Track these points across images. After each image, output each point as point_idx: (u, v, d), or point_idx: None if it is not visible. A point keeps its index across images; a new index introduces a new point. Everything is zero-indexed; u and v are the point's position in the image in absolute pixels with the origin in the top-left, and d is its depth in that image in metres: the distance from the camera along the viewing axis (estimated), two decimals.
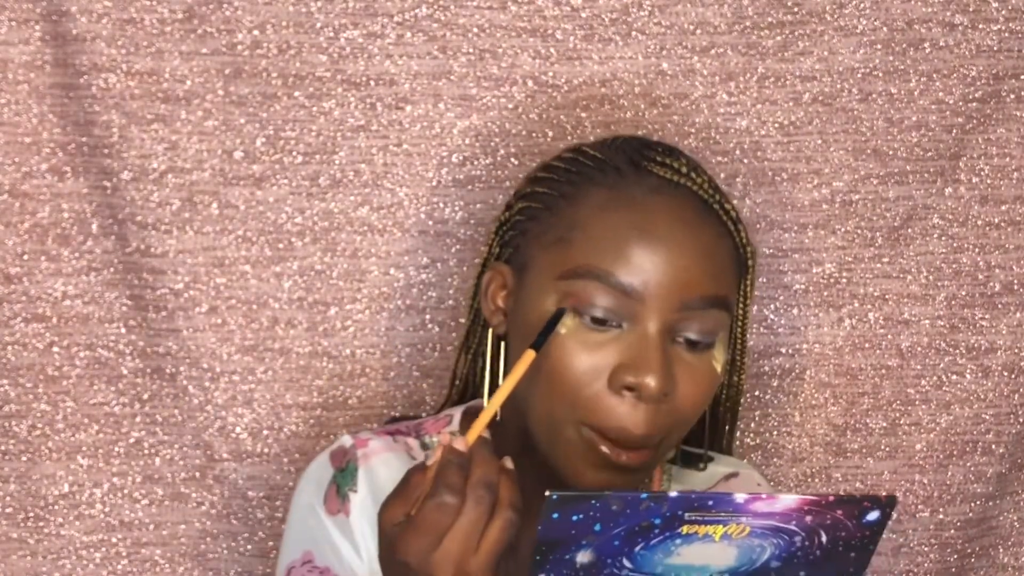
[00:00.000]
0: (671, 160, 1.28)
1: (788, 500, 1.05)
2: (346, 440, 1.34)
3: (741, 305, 1.33)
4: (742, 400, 1.41)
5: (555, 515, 1.04)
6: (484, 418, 1.14)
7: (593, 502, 1.04)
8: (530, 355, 1.19)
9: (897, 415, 1.63)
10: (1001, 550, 1.69)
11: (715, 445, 1.43)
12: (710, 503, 1.04)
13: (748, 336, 1.36)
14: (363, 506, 1.31)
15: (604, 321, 1.22)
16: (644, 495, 1.04)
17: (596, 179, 1.27)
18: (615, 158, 1.29)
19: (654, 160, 1.28)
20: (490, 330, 1.33)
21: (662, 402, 1.22)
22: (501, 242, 1.34)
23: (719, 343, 1.26)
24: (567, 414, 1.22)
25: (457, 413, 1.37)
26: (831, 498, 1.06)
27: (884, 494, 1.06)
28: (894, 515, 1.64)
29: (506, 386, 1.17)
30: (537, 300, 1.25)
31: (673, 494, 1.04)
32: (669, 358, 1.22)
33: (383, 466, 1.32)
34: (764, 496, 1.05)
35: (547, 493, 1.03)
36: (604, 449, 1.22)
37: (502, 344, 1.32)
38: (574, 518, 1.04)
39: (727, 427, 1.42)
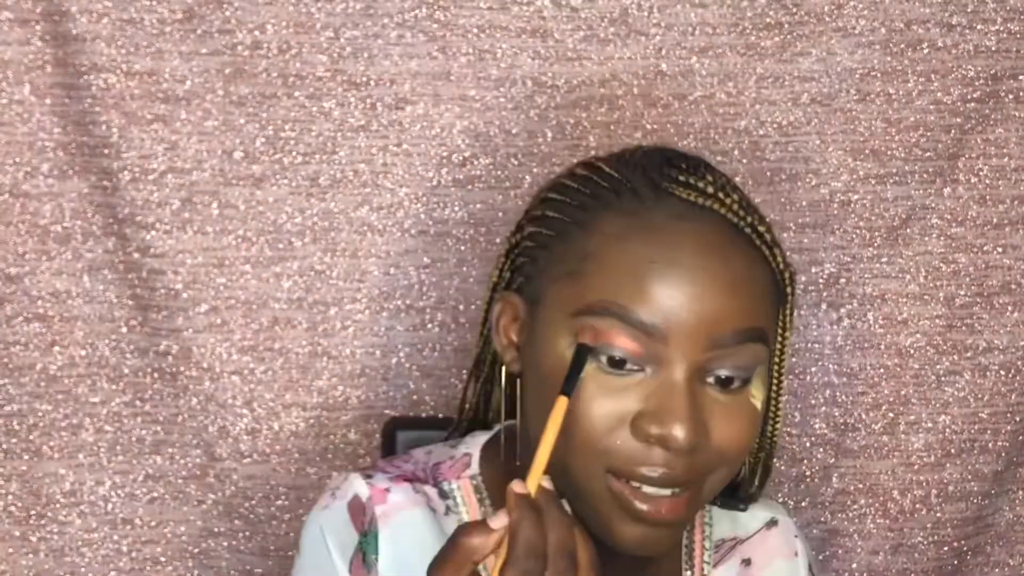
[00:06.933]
0: (696, 179, 1.15)
1: None
2: (360, 487, 1.21)
3: (779, 338, 1.19)
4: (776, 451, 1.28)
5: None
6: (537, 473, 1.06)
7: None
8: (563, 402, 1.08)
9: (896, 414, 1.64)
10: (997, 547, 1.70)
11: (743, 491, 1.31)
12: None
13: (785, 378, 1.22)
14: (385, 574, 1.19)
15: (623, 363, 1.11)
16: None
17: (612, 203, 1.15)
18: (633, 178, 1.16)
19: (676, 180, 1.15)
20: (503, 367, 1.22)
21: (694, 453, 1.11)
22: (512, 267, 1.23)
23: (757, 378, 1.14)
24: (590, 464, 1.12)
25: (475, 452, 1.25)
26: None
27: None
28: (893, 513, 1.65)
29: (547, 441, 1.06)
30: (551, 339, 1.14)
31: None
32: (699, 404, 1.11)
33: (406, 527, 1.19)
34: None
35: None
36: (640, 506, 1.12)
37: (518, 382, 1.21)
38: None
39: (757, 480, 1.28)
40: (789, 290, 1.18)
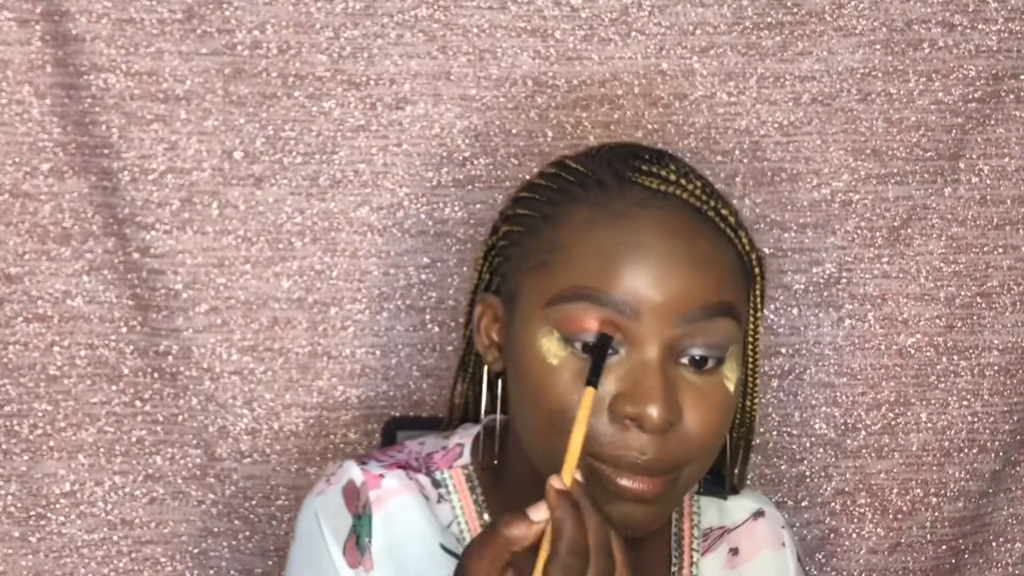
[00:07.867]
0: (658, 168, 1.19)
1: None
2: (355, 473, 1.24)
3: (751, 318, 1.23)
4: (756, 427, 1.31)
5: None
6: (571, 467, 1.07)
7: None
8: (590, 393, 1.10)
9: (896, 414, 1.64)
10: (995, 545, 1.70)
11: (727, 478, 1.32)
12: None
13: (760, 357, 1.26)
14: (379, 558, 1.21)
15: None
16: None
17: (578, 196, 1.19)
18: (598, 171, 1.20)
19: (639, 170, 1.19)
20: (486, 367, 1.26)
21: (668, 431, 1.14)
22: (490, 269, 1.27)
23: (730, 359, 1.17)
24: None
25: (467, 443, 1.29)
26: None
27: None
28: (892, 512, 1.65)
29: (577, 435, 1.08)
30: (527, 333, 1.17)
31: None
32: (672, 383, 1.14)
33: (399, 512, 1.22)
34: None
35: None
36: (623, 482, 1.14)
37: (499, 381, 1.25)
38: None
39: (739, 460, 1.30)
40: (758, 271, 1.22)
